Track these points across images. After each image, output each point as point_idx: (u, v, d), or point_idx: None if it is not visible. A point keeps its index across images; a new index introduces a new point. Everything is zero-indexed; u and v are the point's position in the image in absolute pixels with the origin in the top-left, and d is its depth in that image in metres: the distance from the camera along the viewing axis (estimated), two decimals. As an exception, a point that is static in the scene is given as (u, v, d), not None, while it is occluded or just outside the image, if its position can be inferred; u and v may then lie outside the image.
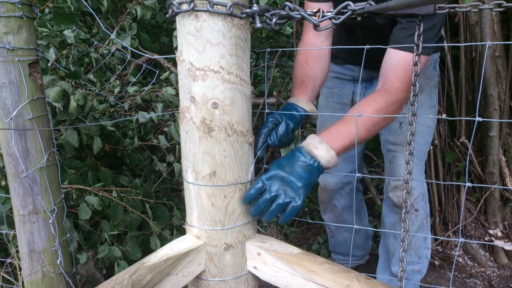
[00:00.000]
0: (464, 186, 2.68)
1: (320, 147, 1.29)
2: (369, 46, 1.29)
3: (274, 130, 1.44)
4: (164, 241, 2.13)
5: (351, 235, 2.31)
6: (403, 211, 1.22)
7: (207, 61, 1.09)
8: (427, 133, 1.91)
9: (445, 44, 1.81)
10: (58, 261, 1.55)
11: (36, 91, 1.48)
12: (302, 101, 1.54)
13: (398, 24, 1.50)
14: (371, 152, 2.78)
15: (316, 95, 1.69)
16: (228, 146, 1.15)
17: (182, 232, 1.29)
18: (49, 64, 2.29)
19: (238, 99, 1.14)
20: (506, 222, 2.66)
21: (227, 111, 1.13)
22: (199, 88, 1.11)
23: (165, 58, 2.79)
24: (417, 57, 1.15)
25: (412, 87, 1.16)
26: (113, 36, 2.49)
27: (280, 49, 1.63)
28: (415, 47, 1.14)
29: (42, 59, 2.18)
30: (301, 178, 1.26)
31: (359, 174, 1.42)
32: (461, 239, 1.23)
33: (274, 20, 1.14)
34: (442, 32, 1.93)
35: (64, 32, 2.43)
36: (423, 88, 1.87)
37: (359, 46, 1.30)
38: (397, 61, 1.47)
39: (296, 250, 1.27)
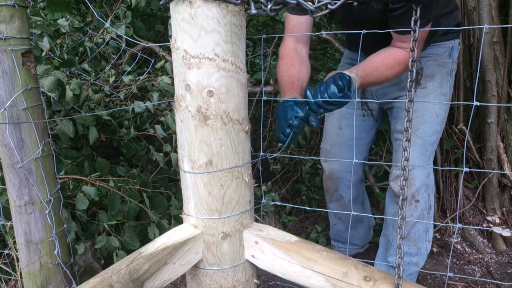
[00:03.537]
0: (462, 173, 2.68)
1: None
2: (366, 31, 1.32)
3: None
4: (162, 231, 2.13)
5: (354, 228, 2.31)
6: (401, 197, 1.21)
7: (202, 49, 1.07)
8: (436, 122, 1.86)
9: (442, 28, 1.79)
10: (56, 252, 1.55)
11: (30, 81, 1.46)
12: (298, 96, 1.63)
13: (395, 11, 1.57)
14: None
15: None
16: (224, 135, 1.14)
17: (180, 221, 1.29)
18: (43, 54, 2.27)
19: (234, 87, 1.13)
20: (504, 209, 2.66)
21: (223, 99, 1.12)
22: (194, 76, 1.09)
23: (160, 47, 2.76)
24: (414, 42, 1.13)
25: (409, 73, 1.15)
26: (107, 24, 2.46)
27: (276, 35, 1.62)
28: (412, 32, 1.12)
29: (36, 48, 2.16)
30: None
31: (357, 160, 1.42)
32: (459, 225, 1.23)
33: (269, 6, 1.12)
34: (460, 17, 1.91)
35: (58, 21, 2.41)
36: (434, 75, 1.85)
37: (368, 38, 1.38)
38: (407, 40, 1.56)
39: (293, 238, 1.27)
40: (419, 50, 1.69)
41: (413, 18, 1.11)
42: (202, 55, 1.08)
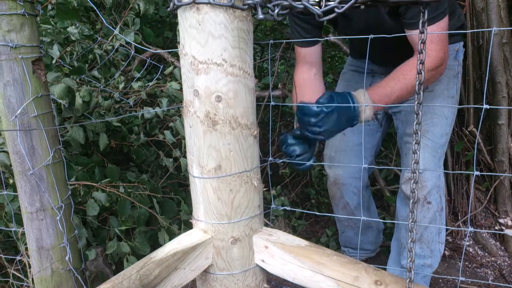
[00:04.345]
0: (473, 176, 2.65)
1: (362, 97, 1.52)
2: (373, 36, 1.32)
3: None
4: (172, 236, 2.14)
5: (363, 233, 2.30)
6: (411, 201, 1.20)
7: (210, 54, 1.08)
8: (445, 124, 1.86)
9: (452, 32, 1.78)
10: (67, 258, 1.56)
11: (40, 89, 1.47)
12: None
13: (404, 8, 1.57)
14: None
15: None
16: (233, 140, 1.14)
17: (190, 226, 1.29)
18: (54, 61, 2.29)
19: (242, 92, 1.13)
20: (516, 211, 2.64)
21: (231, 104, 1.12)
22: (202, 82, 1.10)
23: (169, 53, 2.78)
24: (422, 44, 1.13)
25: (417, 75, 1.14)
26: (116, 32, 2.48)
27: (284, 41, 1.63)
28: (420, 34, 1.12)
29: (46, 56, 2.18)
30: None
31: (366, 165, 1.42)
32: (470, 229, 1.22)
33: (276, 11, 1.13)
34: (463, 18, 1.90)
35: (68, 28, 2.43)
36: (441, 78, 1.83)
37: (374, 47, 1.40)
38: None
39: (303, 242, 1.26)
40: (441, 48, 1.60)
41: (420, 21, 1.10)
42: (210, 60, 1.08)
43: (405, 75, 1.58)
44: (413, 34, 1.58)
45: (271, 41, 1.38)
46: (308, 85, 1.87)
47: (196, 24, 1.06)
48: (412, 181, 1.21)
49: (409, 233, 1.23)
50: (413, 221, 1.23)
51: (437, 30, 1.57)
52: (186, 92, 1.16)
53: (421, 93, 1.16)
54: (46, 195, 1.51)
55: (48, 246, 1.56)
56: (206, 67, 1.08)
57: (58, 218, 1.53)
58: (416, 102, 1.17)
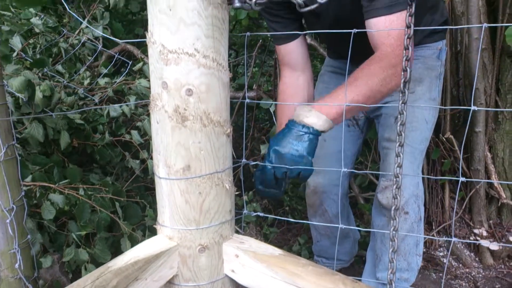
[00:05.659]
0: (449, 184, 2.61)
1: (309, 115, 1.33)
2: (356, 30, 1.26)
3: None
4: (135, 243, 2.00)
5: (340, 243, 2.21)
6: (393, 207, 1.13)
7: (181, 43, 0.99)
8: (425, 129, 1.76)
9: (434, 27, 1.71)
10: (17, 265, 1.42)
11: (-7, 78, 1.35)
12: None
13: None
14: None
15: None
16: (204, 138, 1.05)
17: (155, 233, 1.19)
18: (15, 54, 2.15)
19: (215, 85, 1.04)
20: (491, 221, 2.61)
21: (203, 99, 1.03)
22: (171, 73, 1.01)
23: (138, 48, 2.65)
24: (408, 40, 1.05)
25: (402, 73, 1.07)
26: (84, 23, 2.35)
27: (260, 33, 1.55)
28: (406, 30, 1.05)
29: (5, 45, 2.03)
30: (301, 148, 1.32)
31: (345, 169, 1.34)
32: (455, 239, 1.15)
33: (254, 0, 1.05)
34: (447, 13, 1.81)
35: (32, 19, 2.29)
36: (422, 79, 1.75)
37: (349, 44, 1.28)
38: (376, 29, 1.42)
39: (277, 251, 1.18)
40: (399, 45, 1.38)
41: (407, 14, 1.03)
42: (181, 50, 0.99)
43: (356, 80, 1.38)
44: (372, 26, 1.41)
45: (248, 33, 1.30)
46: (289, 91, 1.78)
47: (166, 9, 0.98)
48: (395, 186, 1.14)
49: (390, 243, 1.15)
50: (394, 230, 1.15)
51: (396, 21, 1.39)
52: (153, 85, 1.07)
53: (406, 92, 1.09)
54: (-4, 196, 1.38)
55: (-3, 251, 1.42)
56: (176, 57, 0.99)
57: (8, 221, 1.40)
58: (400, 102, 1.10)
